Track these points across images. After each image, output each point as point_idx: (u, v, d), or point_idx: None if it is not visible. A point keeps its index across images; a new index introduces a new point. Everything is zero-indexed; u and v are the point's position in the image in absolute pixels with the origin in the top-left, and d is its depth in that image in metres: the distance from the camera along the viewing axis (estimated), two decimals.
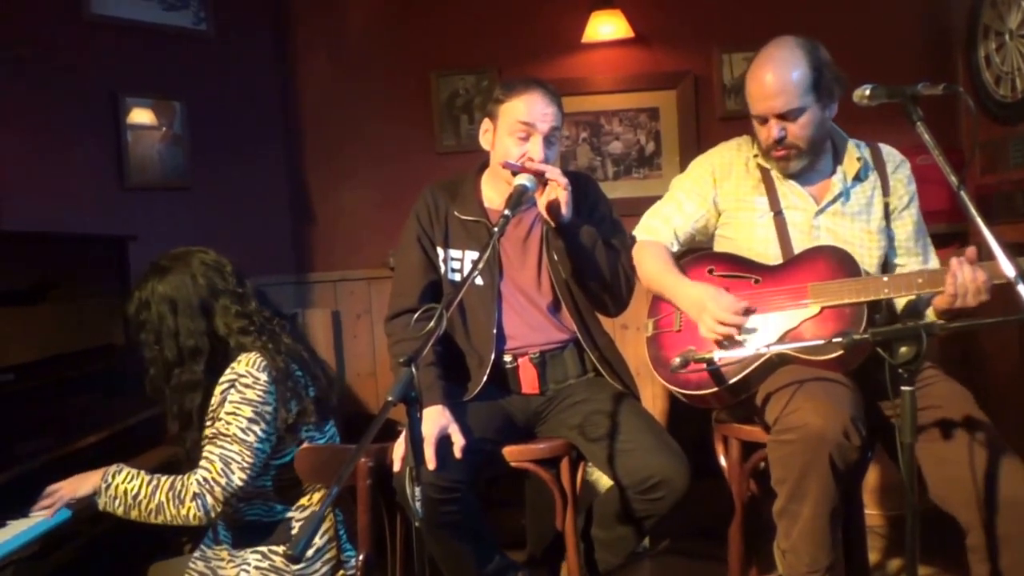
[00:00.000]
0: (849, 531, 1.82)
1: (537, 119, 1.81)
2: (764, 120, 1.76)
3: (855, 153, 1.82)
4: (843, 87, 1.73)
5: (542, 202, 1.76)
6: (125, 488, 1.53)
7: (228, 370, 1.55)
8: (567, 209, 1.76)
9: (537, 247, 1.93)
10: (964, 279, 1.54)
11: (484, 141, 1.92)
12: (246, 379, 1.53)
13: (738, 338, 1.71)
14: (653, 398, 2.84)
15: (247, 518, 1.61)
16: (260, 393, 1.53)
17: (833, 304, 1.67)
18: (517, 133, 1.81)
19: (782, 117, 1.73)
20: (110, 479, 1.54)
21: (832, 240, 1.77)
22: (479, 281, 1.90)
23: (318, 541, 1.59)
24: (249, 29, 2.94)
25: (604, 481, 2.03)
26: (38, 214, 2.38)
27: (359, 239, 3.02)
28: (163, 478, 1.54)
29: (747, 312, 1.71)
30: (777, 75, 1.71)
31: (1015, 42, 2.36)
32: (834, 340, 1.47)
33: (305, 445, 1.60)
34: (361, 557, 1.59)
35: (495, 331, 1.89)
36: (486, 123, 1.90)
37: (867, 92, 1.63)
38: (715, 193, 1.88)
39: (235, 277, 1.64)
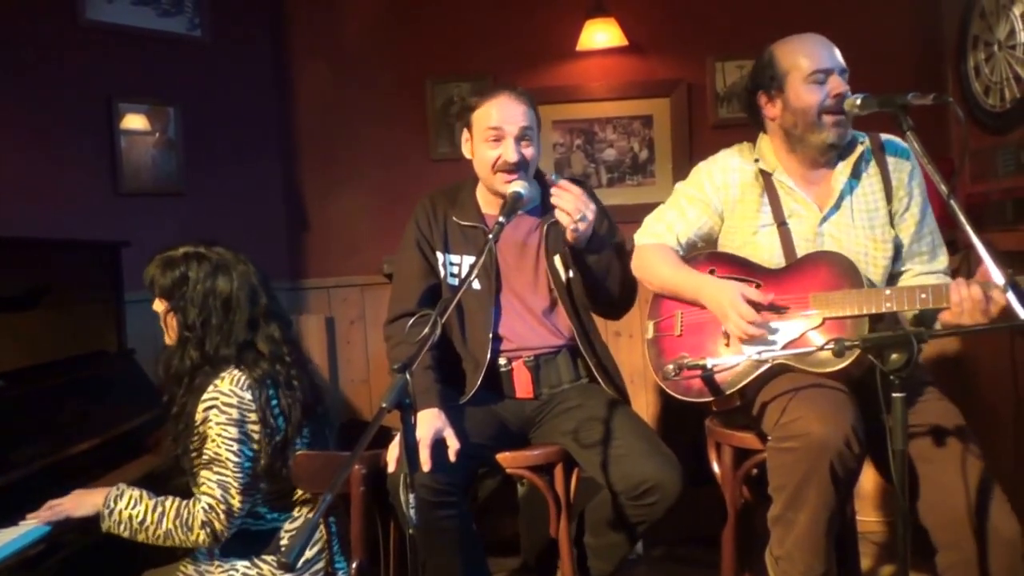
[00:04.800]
0: (841, 537, 1.83)
1: (506, 121, 1.83)
2: (827, 75, 1.73)
3: (860, 144, 1.80)
4: None
5: (569, 230, 1.76)
6: (130, 514, 1.52)
7: (211, 387, 1.54)
8: (582, 235, 1.76)
9: (535, 251, 1.94)
10: (967, 297, 1.51)
11: (466, 151, 1.94)
12: (229, 398, 1.52)
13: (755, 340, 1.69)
14: (646, 405, 2.85)
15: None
16: (243, 411, 1.52)
17: (835, 316, 1.66)
18: (489, 139, 1.84)
19: (843, 75, 1.73)
20: (112, 504, 1.53)
21: (836, 249, 1.75)
22: (476, 286, 1.91)
23: (308, 553, 1.59)
24: (244, 35, 2.94)
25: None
26: (31, 219, 2.36)
27: (353, 245, 3.02)
28: (167, 502, 1.53)
29: (772, 308, 1.69)
30: (829, 42, 1.77)
31: (1004, 53, 2.38)
32: (825, 346, 1.48)
33: (301, 452, 1.60)
34: (355, 565, 1.59)
35: (491, 335, 1.90)
36: (464, 133, 1.93)
37: (858, 102, 1.64)
38: (718, 200, 1.86)
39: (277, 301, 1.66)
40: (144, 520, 1.51)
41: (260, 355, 1.58)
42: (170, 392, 1.61)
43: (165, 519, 1.51)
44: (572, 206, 1.72)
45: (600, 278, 1.84)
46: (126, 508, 1.52)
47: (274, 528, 1.62)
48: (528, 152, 1.86)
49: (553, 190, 1.76)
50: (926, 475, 1.56)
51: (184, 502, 1.53)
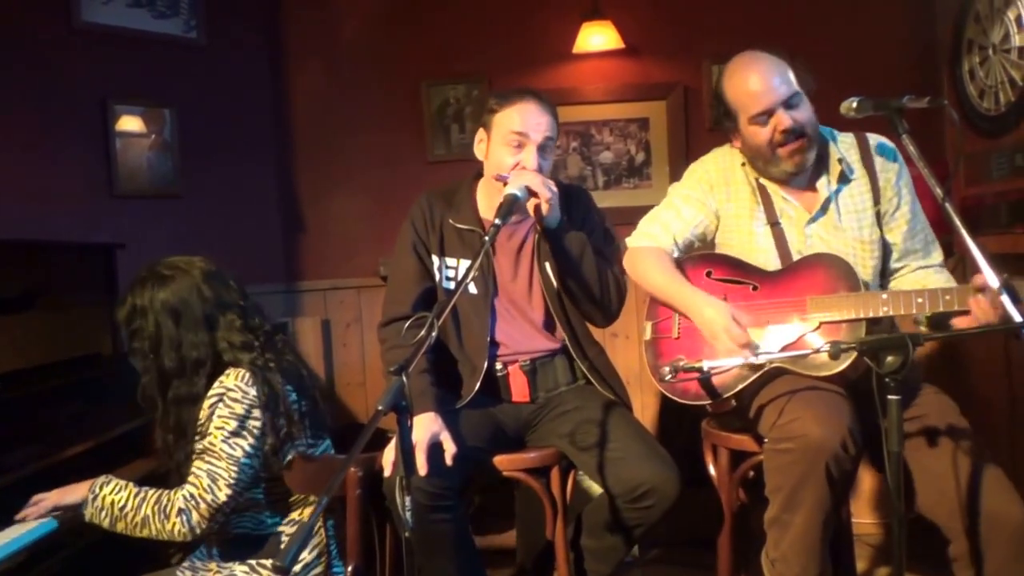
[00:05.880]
0: (837, 539, 1.83)
1: (531, 129, 1.81)
2: (769, 115, 1.71)
3: (836, 155, 1.80)
4: (811, 84, 1.76)
5: (530, 206, 1.77)
6: (112, 499, 1.51)
7: (216, 383, 1.53)
8: (552, 213, 1.77)
9: (529, 260, 1.94)
10: (986, 311, 1.52)
11: (478, 151, 1.92)
12: (234, 393, 1.51)
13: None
14: (643, 407, 2.85)
15: (236, 531, 1.59)
16: (248, 408, 1.51)
17: (832, 320, 1.66)
18: (511, 143, 1.82)
19: (788, 105, 1.71)
20: (98, 490, 1.52)
21: (824, 250, 1.76)
22: (473, 290, 1.91)
23: (307, 556, 1.58)
24: (240, 37, 2.94)
25: (596, 487, 2.03)
26: (26, 221, 2.36)
27: (349, 248, 3.02)
28: (150, 491, 1.52)
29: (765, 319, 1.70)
30: (771, 68, 1.73)
31: (998, 56, 2.39)
32: (821, 349, 1.49)
33: (297, 455, 1.59)
34: (350, 568, 1.58)
35: (488, 340, 1.89)
36: (480, 133, 1.91)
37: (854, 105, 1.65)
38: (713, 200, 1.86)
39: (238, 289, 1.62)
40: (125, 506, 1.50)
41: (235, 348, 1.55)
42: (152, 415, 1.60)
43: (145, 505, 1.49)
44: (538, 179, 1.74)
45: (576, 263, 1.82)
46: (110, 493, 1.51)
47: (274, 532, 1.61)
48: (546, 163, 1.85)
49: (512, 173, 1.77)
50: (927, 467, 1.57)
51: (167, 491, 1.51)
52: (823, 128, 1.83)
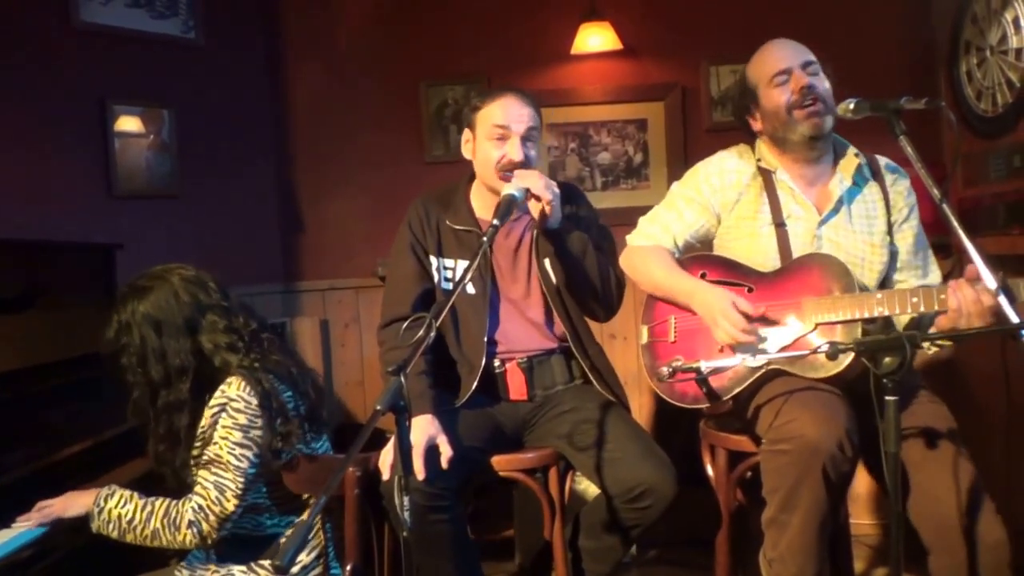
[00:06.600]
0: (835, 540, 1.83)
1: (512, 120, 1.84)
2: (786, 76, 1.77)
3: (852, 151, 1.83)
4: (833, 84, 1.81)
5: (533, 208, 1.78)
6: (119, 513, 1.51)
7: (219, 392, 1.52)
8: (554, 215, 1.78)
9: (527, 258, 1.94)
10: (965, 301, 1.52)
11: (466, 151, 1.94)
12: (237, 403, 1.51)
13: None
14: (640, 407, 2.85)
15: (235, 532, 1.59)
16: (251, 417, 1.51)
17: (828, 322, 1.66)
18: (495, 137, 1.84)
19: (806, 70, 1.77)
20: (103, 503, 1.52)
21: (834, 252, 1.76)
22: (471, 290, 1.91)
23: (306, 558, 1.58)
24: (238, 37, 2.94)
25: (591, 491, 2.04)
26: (24, 221, 2.36)
27: (348, 248, 3.02)
28: (157, 502, 1.52)
29: (762, 320, 1.70)
30: (790, 42, 1.82)
31: (996, 58, 2.39)
32: (819, 349, 1.49)
33: (296, 456, 1.59)
34: (348, 569, 1.58)
35: (486, 339, 1.90)
36: (466, 134, 1.93)
37: (851, 106, 1.65)
38: (715, 202, 1.86)
39: (219, 291, 1.61)
40: (133, 519, 1.50)
41: (221, 349, 1.55)
42: (144, 431, 1.60)
43: (153, 518, 1.50)
44: (541, 182, 1.74)
45: (579, 262, 1.83)
46: (116, 507, 1.51)
47: (274, 534, 1.61)
48: (532, 154, 1.86)
49: (516, 173, 1.78)
50: (916, 480, 1.57)
51: (174, 502, 1.52)
52: (839, 138, 1.85)
